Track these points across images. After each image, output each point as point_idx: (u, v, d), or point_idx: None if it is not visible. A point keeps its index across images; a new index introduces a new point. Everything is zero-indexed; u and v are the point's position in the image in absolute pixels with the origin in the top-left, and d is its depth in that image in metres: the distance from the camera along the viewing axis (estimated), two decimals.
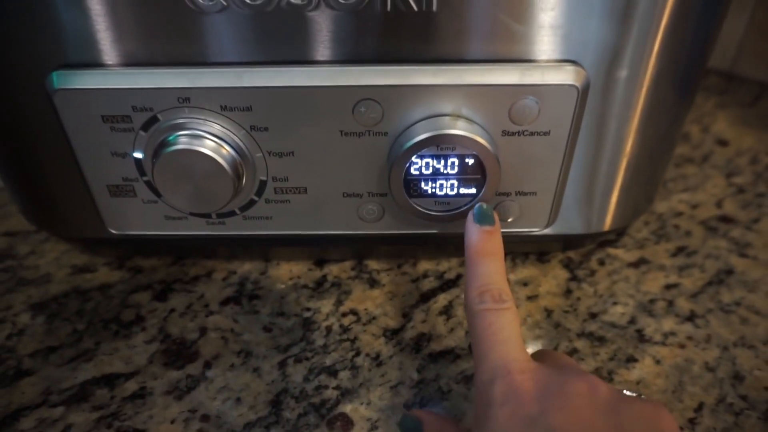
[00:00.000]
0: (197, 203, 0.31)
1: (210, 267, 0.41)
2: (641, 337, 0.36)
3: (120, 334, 0.37)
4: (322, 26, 0.27)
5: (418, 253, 0.41)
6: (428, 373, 0.34)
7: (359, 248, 0.40)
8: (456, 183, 0.31)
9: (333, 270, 0.41)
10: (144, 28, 0.28)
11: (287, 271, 0.41)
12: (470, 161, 0.30)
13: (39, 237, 0.44)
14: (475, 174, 0.31)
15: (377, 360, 0.35)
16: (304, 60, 0.28)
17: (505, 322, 0.26)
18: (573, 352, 0.35)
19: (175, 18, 0.27)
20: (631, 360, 0.35)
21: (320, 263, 0.41)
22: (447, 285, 0.40)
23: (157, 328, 0.37)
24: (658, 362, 0.35)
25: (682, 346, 0.36)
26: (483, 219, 0.29)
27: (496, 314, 0.26)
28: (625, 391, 0.25)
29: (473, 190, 0.31)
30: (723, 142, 0.55)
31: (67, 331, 0.37)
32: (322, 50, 0.28)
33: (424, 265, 0.41)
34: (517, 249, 0.42)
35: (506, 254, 0.41)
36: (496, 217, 0.29)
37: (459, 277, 0.40)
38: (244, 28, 0.28)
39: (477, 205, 0.30)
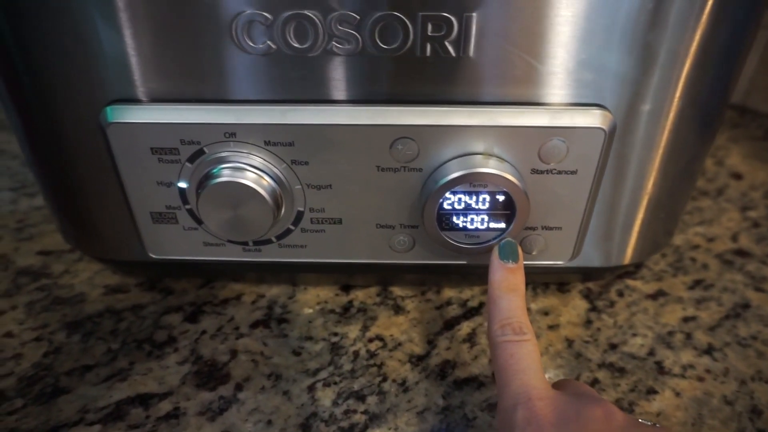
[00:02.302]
0: (237, 231, 0.32)
1: (239, 290, 0.42)
2: (660, 369, 0.37)
3: (153, 355, 0.38)
4: (364, 69, 0.29)
5: (442, 281, 0.43)
6: (453, 399, 0.35)
7: (385, 275, 0.42)
8: (486, 218, 0.32)
9: (359, 296, 0.42)
10: (194, 67, 0.29)
11: (314, 296, 0.42)
12: (501, 197, 0.31)
13: (72, 256, 0.45)
14: (505, 210, 0.32)
15: (404, 386, 0.36)
16: (346, 99, 0.30)
17: (526, 353, 0.28)
18: (594, 382, 0.36)
19: (225, 58, 0.29)
20: (652, 392, 0.36)
21: (346, 289, 0.42)
22: (470, 313, 0.41)
23: (189, 350, 0.38)
24: (677, 395, 0.35)
25: (700, 379, 0.36)
26: (508, 255, 0.31)
27: (518, 345, 0.28)
28: (640, 420, 0.26)
29: (503, 225, 0.33)
30: (737, 176, 0.56)
31: (102, 350, 0.38)
32: (363, 91, 0.30)
33: (448, 293, 0.42)
34: (538, 279, 0.43)
35: (527, 284, 0.43)
36: (521, 253, 0.31)
37: (482, 305, 0.41)
38: (289, 69, 0.29)
39: (503, 242, 0.31)
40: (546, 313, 0.41)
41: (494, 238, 0.33)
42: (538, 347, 0.28)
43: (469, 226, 0.32)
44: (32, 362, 0.37)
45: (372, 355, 0.38)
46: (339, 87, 0.30)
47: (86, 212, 0.36)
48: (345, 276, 0.42)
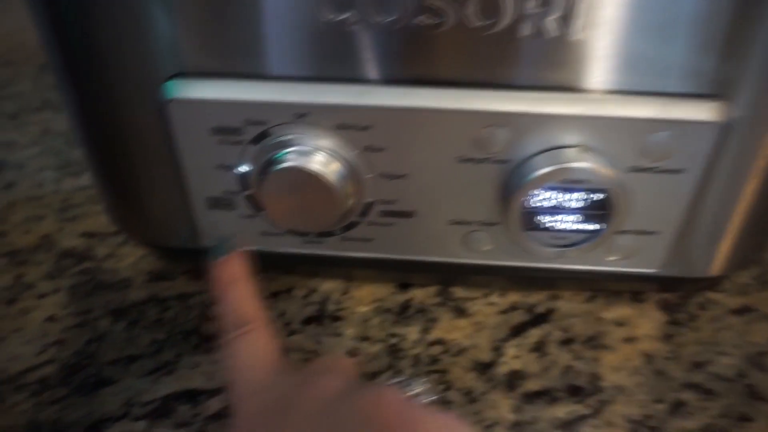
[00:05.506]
0: (301, 222, 0.30)
1: (289, 283, 0.40)
2: (753, 393, 0.34)
3: (201, 348, 0.36)
4: (453, 47, 0.26)
5: (508, 284, 0.40)
6: (524, 414, 0.32)
7: (447, 275, 0.39)
8: (577, 218, 0.29)
9: (417, 295, 0.39)
10: (265, 40, 0.27)
11: (369, 293, 0.39)
12: (596, 196, 0.28)
13: (116, 240, 0.44)
14: (598, 210, 0.29)
15: (470, 396, 0.33)
16: (430, 80, 0.27)
17: (244, 347, 0.26)
18: (679, 404, 0.33)
19: (299, 31, 0.26)
20: (745, 419, 0.32)
21: (403, 287, 0.40)
22: (538, 319, 0.38)
23: None
24: None
25: None
26: (217, 254, 0.29)
27: (236, 342, 0.26)
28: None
29: (595, 226, 0.29)
30: None
31: (147, 341, 0.36)
32: (451, 71, 0.27)
33: (513, 297, 0.39)
34: (611, 287, 0.40)
35: (599, 291, 0.40)
36: (232, 246, 0.29)
37: (550, 311, 0.38)
38: (369, 44, 0.26)
39: (212, 247, 0.29)
40: (621, 324, 0.38)
41: (582, 241, 0.30)
42: (264, 335, 0.26)
43: (557, 226, 0.29)
44: (75, 349, 0.35)
45: (434, 360, 0.35)
46: (424, 66, 0.27)
47: (137, 195, 0.34)
48: (403, 273, 0.39)
